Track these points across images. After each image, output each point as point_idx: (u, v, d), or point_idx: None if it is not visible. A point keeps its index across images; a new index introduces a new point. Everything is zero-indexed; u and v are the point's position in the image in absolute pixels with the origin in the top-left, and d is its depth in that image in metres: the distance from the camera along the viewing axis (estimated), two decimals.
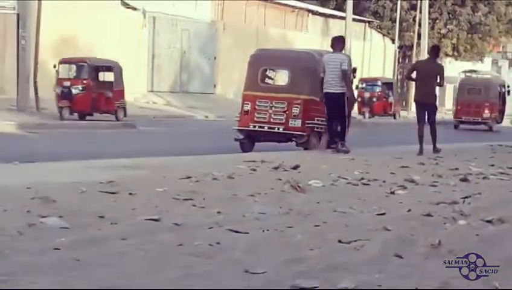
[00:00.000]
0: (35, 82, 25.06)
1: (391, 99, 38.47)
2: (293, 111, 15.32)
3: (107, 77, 26.13)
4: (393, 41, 48.94)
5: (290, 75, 15.74)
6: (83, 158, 11.77)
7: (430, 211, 7.34)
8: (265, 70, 16.22)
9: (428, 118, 15.45)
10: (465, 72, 50.91)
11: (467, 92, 34.94)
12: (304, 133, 15.30)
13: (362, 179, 10.07)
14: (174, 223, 6.32)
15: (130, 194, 7.82)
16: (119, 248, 5.35)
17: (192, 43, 38.90)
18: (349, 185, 9.55)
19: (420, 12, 45.90)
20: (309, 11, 46.42)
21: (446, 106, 49.56)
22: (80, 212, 6.62)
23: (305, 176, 9.89)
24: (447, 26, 51.32)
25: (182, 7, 37.23)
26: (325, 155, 13.89)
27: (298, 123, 15.30)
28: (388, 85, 38.78)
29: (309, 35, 44.97)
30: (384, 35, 51.33)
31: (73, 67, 25.49)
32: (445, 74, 15.50)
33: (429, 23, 47.37)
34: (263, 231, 6.21)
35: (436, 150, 15.33)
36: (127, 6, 35.23)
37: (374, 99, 37.68)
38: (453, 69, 44.24)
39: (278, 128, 15.39)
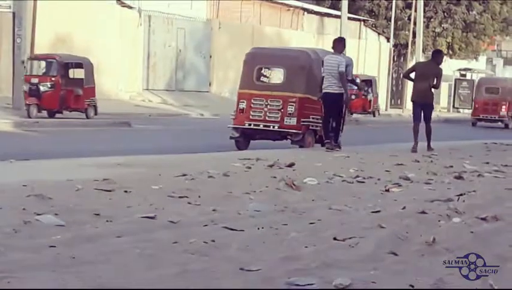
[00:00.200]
0: None
1: (370, 96, 38.07)
2: (288, 109, 15.35)
3: (78, 74, 25.18)
4: (388, 39, 48.92)
5: (286, 74, 15.76)
6: (79, 156, 11.77)
7: (424, 208, 7.36)
8: (261, 68, 16.24)
9: (424, 117, 15.51)
10: (460, 70, 51.09)
11: (485, 90, 36.25)
12: (299, 131, 15.33)
13: (357, 176, 10.08)
14: (170, 220, 6.33)
15: (126, 192, 7.82)
16: (115, 246, 5.35)
17: (187, 41, 38.87)
18: (344, 182, 9.57)
19: (415, 11, 45.90)
20: (304, 9, 46.40)
21: (441, 104, 49.60)
22: (76, 210, 6.63)
23: (300, 174, 9.90)
24: (442, 25, 51.37)
25: (178, 6, 37.20)
26: (320, 153, 13.91)
27: (293, 121, 15.33)
28: (367, 82, 38.05)
29: (304, 34, 44.96)
30: (379, 33, 51.33)
31: (43, 63, 24.84)
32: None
33: (424, 22, 47.39)
34: (258, 228, 6.22)
35: (430, 148, 15.38)
36: (123, 4, 35.18)
37: (353, 97, 37.29)
38: (448, 67, 44.30)
39: (273, 127, 15.41)
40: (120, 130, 21.87)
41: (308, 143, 15.44)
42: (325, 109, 14.82)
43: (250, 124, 15.55)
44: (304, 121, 15.36)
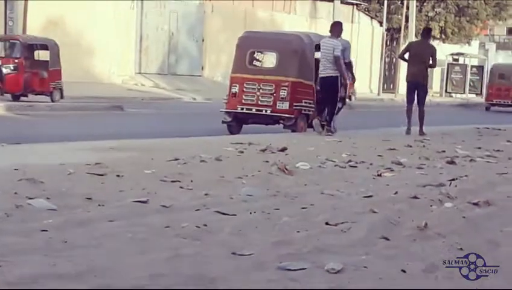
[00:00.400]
0: None
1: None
2: (280, 93, 15.34)
3: (43, 56, 24.04)
4: (381, 24, 48.82)
5: (278, 58, 15.73)
6: (71, 140, 11.74)
7: (416, 193, 7.37)
8: (253, 52, 16.21)
9: (418, 100, 15.53)
10: (452, 54, 51.08)
11: (498, 76, 37.97)
12: (292, 116, 15.31)
13: (349, 161, 10.09)
14: (162, 205, 6.33)
15: (118, 176, 7.82)
16: (107, 230, 5.35)
17: (180, 25, 38.75)
18: (336, 167, 9.57)
19: None
20: None
21: (434, 89, 49.58)
22: (68, 194, 6.62)
23: (293, 159, 9.91)
24: (435, 9, 51.26)
25: None
26: (313, 137, 13.91)
27: (286, 105, 15.31)
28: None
29: (297, 18, 44.85)
30: (372, 18, 51.24)
31: (6, 44, 23.97)
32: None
33: (417, 6, 47.33)
34: (250, 213, 6.22)
35: (422, 132, 15.41)
36: None
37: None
38: (441, 52, 44.21)
39: (266, 111, 15.40)
40: (112, 113, 21.82)
41: (300, 127, 15.44)
42: (320, 92, 14.86)
43: (242, 108, 15.53)
44: (296, 106, 15.34)
